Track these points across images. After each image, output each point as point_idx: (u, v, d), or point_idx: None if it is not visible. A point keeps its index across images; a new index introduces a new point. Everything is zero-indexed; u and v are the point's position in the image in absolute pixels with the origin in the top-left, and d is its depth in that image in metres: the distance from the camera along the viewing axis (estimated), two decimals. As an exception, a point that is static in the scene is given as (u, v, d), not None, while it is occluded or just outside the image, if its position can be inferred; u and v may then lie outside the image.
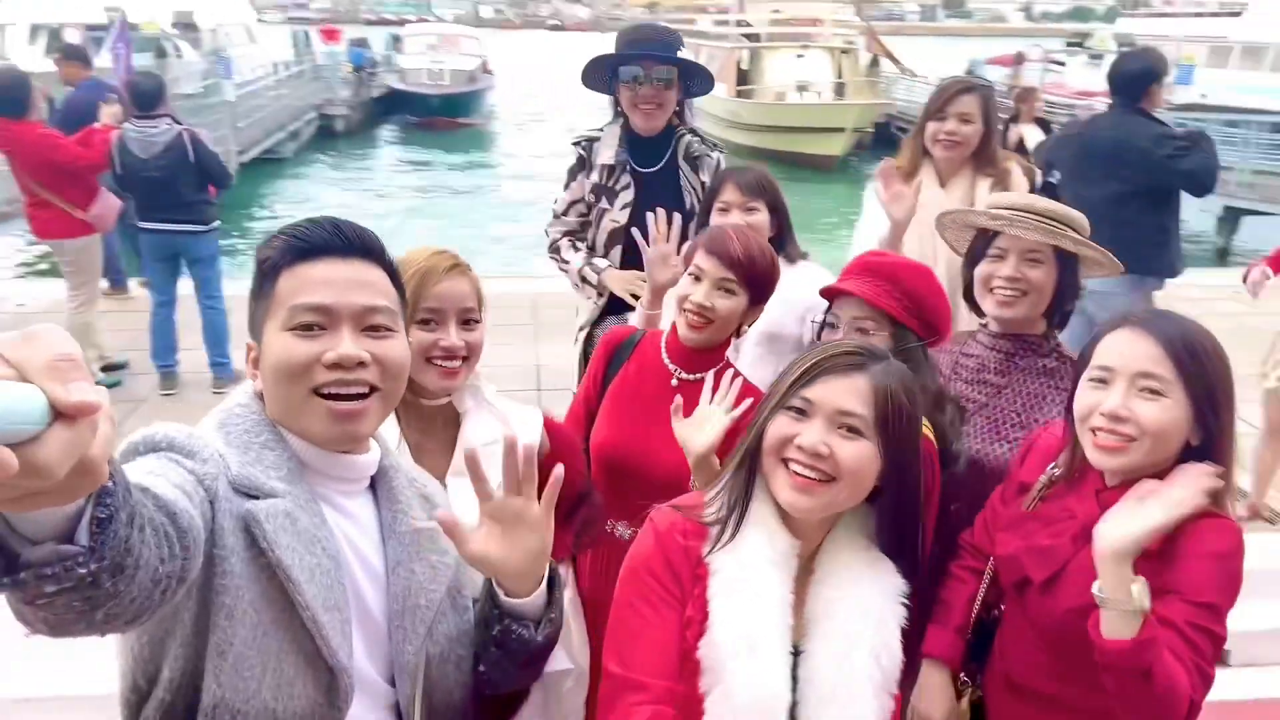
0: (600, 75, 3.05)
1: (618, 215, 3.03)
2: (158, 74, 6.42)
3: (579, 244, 3.19)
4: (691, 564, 1.44)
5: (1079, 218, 2.06)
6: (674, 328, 2.11)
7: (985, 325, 2.17)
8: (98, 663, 1.44)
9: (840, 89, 22.89)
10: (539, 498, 1.27)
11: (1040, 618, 1.64)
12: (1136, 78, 4.27)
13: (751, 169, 2.64)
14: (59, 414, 0.65)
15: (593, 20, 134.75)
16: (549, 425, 1.83)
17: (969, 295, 2.18)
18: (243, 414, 1.24)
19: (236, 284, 7.75)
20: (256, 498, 1.15)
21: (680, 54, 2.98)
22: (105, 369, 6.08)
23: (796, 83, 22.04)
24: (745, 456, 1.47)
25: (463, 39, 29.52)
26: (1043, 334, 2.11)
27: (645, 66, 2.91)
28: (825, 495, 1.38)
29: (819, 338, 2.07)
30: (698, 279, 2.03)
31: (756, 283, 2.04)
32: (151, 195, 5.63)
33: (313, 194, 19.23)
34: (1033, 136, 8.41)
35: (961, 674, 1.84)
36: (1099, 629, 1.41)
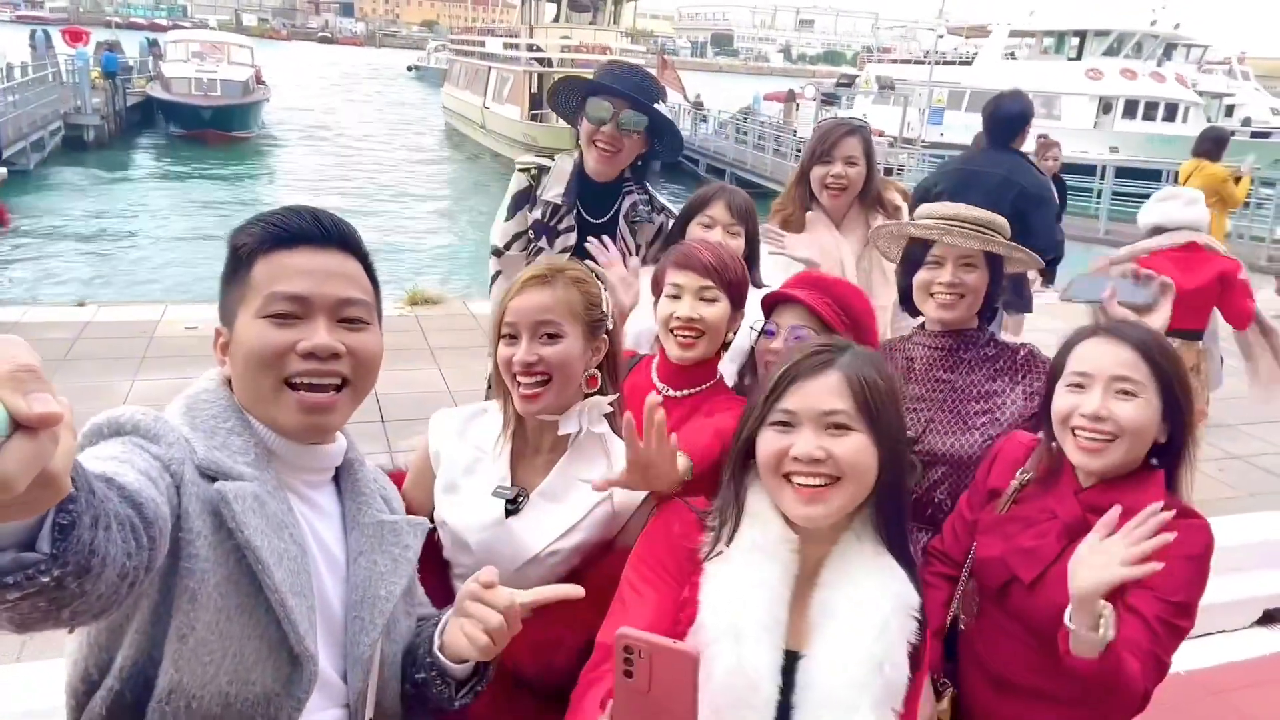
0: (569, 100, 2.80)
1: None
2: None
3: None
4: (690, 551, 1.45)
5: (1003, 222, 2.20)
6: (662, 351, 2.06)
7: (922, 327, 2.28)
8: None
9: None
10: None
11: (1028, 615, 1.73)
12: (1015, 119, 4.47)
13: (739, 192, 2.58)
14: (19, 425, 0.64)
15: (366, 35, 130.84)
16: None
17: (905, 299, 2.27)
18: (210, 399, 1.23)
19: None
20: (225, 480, 1.13)
21: (657, 107, 2.73)
22: None
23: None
24: (734, 469, 1.48)
25: (233, 47, 27.67)
26: (977, 328, 2.24)
27: (615, 105, 2.66)
28: (836, 498, 1.37)
29: (756, 343, 2.10)
30: (676, 296, 1.99)
31: (734, 287, 2.02)
32: None
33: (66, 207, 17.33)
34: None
35: (941, 676, 1.91)
36: (1068, 643, 1.50)
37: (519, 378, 1.64)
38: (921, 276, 2.19)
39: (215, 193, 20.45)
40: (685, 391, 2.03)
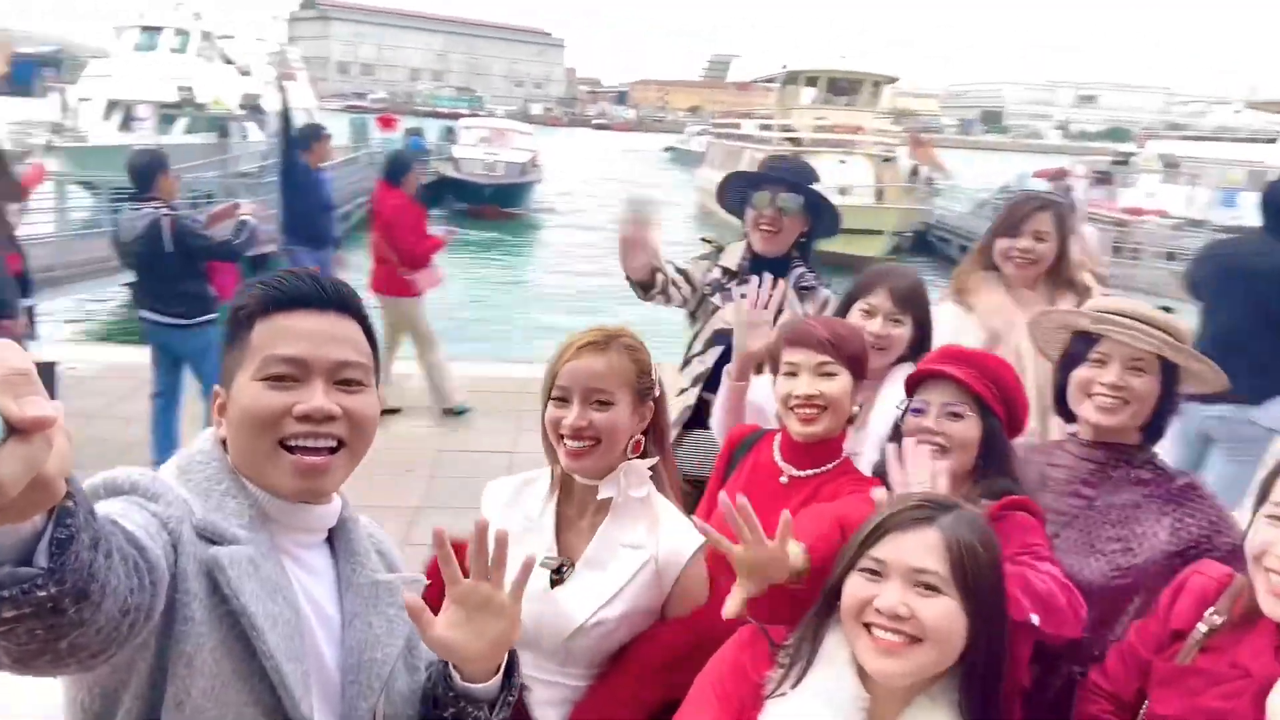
0: (735, 194, 3.12)
1: (730, 318, 2.93)
2: (154, 150, 5.68)
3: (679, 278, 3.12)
4: (755, 684, 1.44)
5: (1184, 327, 1.97)
6: (784, 429, 2.04)
7: (1075, 434, 2.06)
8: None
9: (879, 194, 23.29)
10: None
11: None
12: None
13: (908, 274, 2.55)
14: (12, 429, 0.64)
15: (637, 120, 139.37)
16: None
17: (1059, 399, 2.08)
18: (204, 460, 1.22)
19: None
20: (219, 544, 1.12)
21: (813, 186, 3.00)
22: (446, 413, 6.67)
23: (838, 186, 22.50)
24: (819, 609, 1.44)
25: (514, 134, 30.55)
26: (1137, 445, 1.99)
27: (772, 191, 2.96)
28: (913, 658, 1.31)
29: (902, 421, 1.99)
30: (794, 374, 1.99)
31: (854, 360, 2.00)
32: (138, 281, 5.33)
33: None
34: None
35: None
36: None
37: (566, 440, 1.67)
38: (1081, 374, 1.98)
39: (487, 260, 22.48)
40: (809, 471, 1.99)
